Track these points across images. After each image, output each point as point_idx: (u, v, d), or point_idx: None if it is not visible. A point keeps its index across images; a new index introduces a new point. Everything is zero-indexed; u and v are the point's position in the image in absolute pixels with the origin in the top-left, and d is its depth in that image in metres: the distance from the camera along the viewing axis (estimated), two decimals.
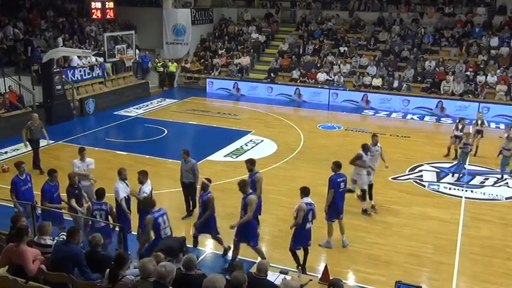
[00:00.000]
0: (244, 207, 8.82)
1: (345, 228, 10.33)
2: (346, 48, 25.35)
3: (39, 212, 9.39)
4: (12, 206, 9.74)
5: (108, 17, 23.56)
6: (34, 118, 13.98)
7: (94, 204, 8.82)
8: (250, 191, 9.04)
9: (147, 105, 22.33)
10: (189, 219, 11.09)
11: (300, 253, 9.02)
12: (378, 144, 11.92)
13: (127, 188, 9.57)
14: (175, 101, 23.54)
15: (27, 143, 13.88)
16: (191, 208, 11.33)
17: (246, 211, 8.79)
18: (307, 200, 8.84)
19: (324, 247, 9.96)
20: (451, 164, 14.80)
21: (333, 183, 9.82)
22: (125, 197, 9.40)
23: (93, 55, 21.58)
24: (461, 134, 14.90)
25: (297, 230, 8.81)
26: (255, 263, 7.13)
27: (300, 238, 8.87)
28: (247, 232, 8.88)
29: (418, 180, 13.71)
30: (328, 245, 9.98)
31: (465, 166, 13.82)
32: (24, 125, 13.91)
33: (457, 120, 15.91)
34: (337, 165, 9.98)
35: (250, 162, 10.26)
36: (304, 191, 8.91)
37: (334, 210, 9.96)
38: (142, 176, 9.51)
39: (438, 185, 13.41)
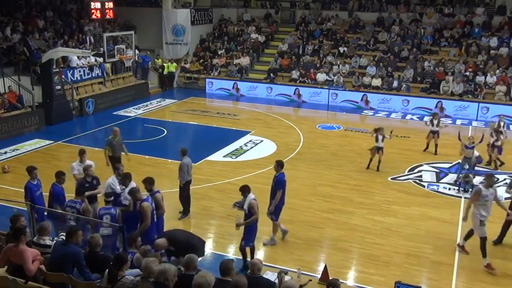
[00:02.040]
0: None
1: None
2: (345, 49, 25.36)
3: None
4: (12, 206, 9.73)
5: (107, 17, 23.60)
6: (116, 132, 12.24)
7: (69, 202, 8.79)
8: (145, 197, 8.64)
9: (147, 106, 22.33)
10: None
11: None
12: (494, 187, 9.66)
13: (118, 185, 9.43)
14: (174, 101, 23.55)
15: (109, 162, 11.96)
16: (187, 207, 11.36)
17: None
18: (252, 195, 8.87)
19: (269, 245, 9.95)
20: (450, 165, 14.82)
21: (282, 183, 9.79)
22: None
23: (92, 55, 21.58)
24: (437, 128, 15.54)
25: (251, 227, 8.84)
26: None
27: (254, 234, 8.93)
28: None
29: (417, 181, 13.72)
30: (273, 242, 10.02)
31: (465, 168, 13.61)
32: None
33: (432, 115, 16.28)
34: (279, 165, 9.89)
35: (148, 182, 9.14)
36: (247, 189, 8.87)
37: (280, 209, 9.96)
38: (126, 179, 9.25)
39: (438, 185, 13.41)
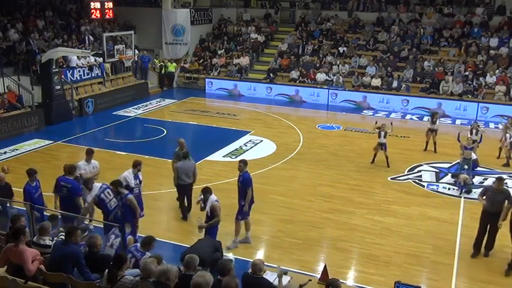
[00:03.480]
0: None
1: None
2: (345, 49, 25.36)
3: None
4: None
5: (107, 17, 23.61)
6: (181, 143, 11.50)
7: None
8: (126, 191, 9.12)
9: (146, 106, 22.33)
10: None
11: None
12: None
13: (133, 180, 9.70)
14: (174, 101, 23.55)
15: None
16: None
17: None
18: (215, 197, 8.91)
19: (233, 248, 9.79)
20: (450, 165, 14.83)
21: (250, 181, 9.76)
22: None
23: (92, 55, 21.57)
24: (436, 126, 15.68)
25: (212, 229, 8.88)
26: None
27: (215, 236, 8.93)
28: None
29: (417, 181, 13.72)
30: (235, 245, 9.86)
31: (465, 168, 13.45)
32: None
33: (431, 114, 16.38)
34: (245, 164, 9.86)
35: (117, 184, 9.17)
36: (209, 190, 8.93)
37: (249, 209, 9.92)
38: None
39: (437, 185, 13.42)
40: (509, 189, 10.00)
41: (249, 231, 10.05)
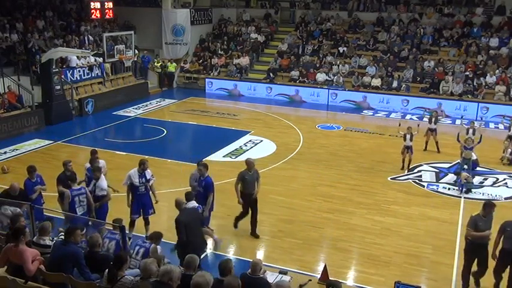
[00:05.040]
0: None
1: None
2: (345, 49, 25.35)
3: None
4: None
5: (107, 17, 23.63)
6: (249, 164, 10.19)
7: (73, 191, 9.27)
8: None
9: (146, 106, 22.33)
10: None
11: None
12: None
13: (137, 178, 9.79)
14: (174, 101, 23.55)
15: (241, 200, 10.15)
16: None
17: None
18: (193, 204, 8.69)
19: (219, 247, 9.60)
20: (450, 165, 14.83)
21: (212, 186, 9.67)
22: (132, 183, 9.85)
23: (92, 55, 21.57)
24: (435, 126, 15.64)
25: None
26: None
27: None
28: None
29: (417, 181, 13.72)
30: (220, 242, 9.50)
31: (465, 168, 13.42)
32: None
33: (432, 113, 16.36)
34: (205, 167, 9.76)
35: (73, 180, 9.48)
36: (188, 197, 8.82)
37: (209, 215, 9.85)
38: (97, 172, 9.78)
39: (437, 185, 13.42)
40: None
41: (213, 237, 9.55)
